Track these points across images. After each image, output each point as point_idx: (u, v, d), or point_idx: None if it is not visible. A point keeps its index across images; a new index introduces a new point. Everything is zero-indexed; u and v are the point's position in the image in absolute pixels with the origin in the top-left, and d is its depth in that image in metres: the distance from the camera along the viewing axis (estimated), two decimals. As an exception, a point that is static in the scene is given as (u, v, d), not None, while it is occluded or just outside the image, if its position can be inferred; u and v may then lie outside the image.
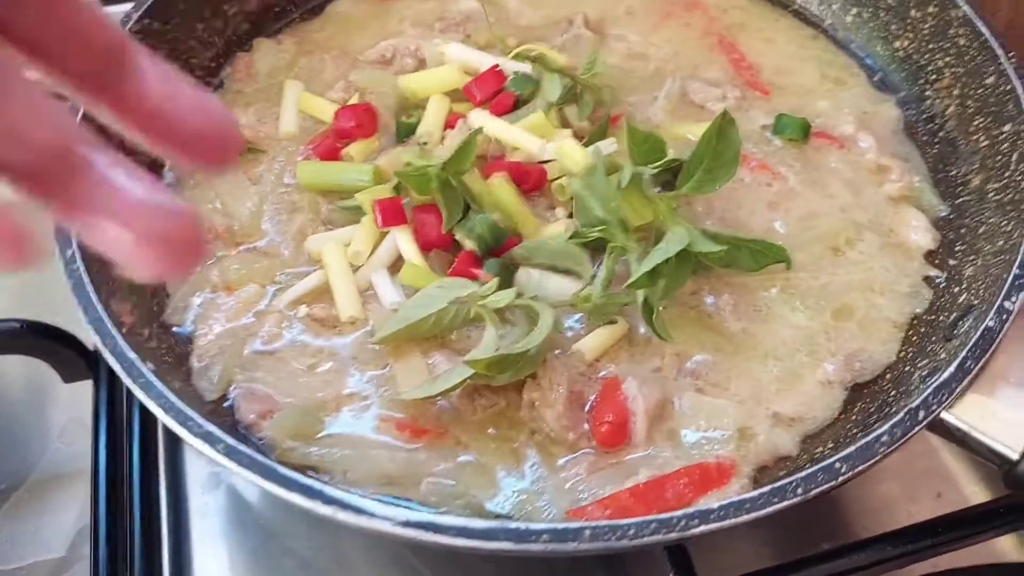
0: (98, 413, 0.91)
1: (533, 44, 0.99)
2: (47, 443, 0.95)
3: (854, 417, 0.73)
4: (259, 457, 0.60)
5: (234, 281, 0.82)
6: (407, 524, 0.57)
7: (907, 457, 0.83)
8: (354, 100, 0.95)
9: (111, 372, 0.93)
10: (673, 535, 0.56)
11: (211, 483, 0.89)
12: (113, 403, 0.92)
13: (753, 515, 0.57)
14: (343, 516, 0.58)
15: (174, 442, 0.91)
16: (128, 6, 0.92)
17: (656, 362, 0.76)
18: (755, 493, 0.57)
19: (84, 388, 0.93)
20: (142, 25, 0.91)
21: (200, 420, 0.63)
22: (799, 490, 0.58)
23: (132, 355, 0.67)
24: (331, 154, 0.90)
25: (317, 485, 0.59)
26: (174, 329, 0.80)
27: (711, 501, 0.66)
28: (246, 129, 0.94)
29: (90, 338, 0.93)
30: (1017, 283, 0.70)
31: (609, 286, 0.74)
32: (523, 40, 1.01)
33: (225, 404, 0.76)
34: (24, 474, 0.92)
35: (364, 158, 0.90)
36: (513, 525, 0.56)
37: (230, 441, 0.62)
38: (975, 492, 0.88)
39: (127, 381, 0.66)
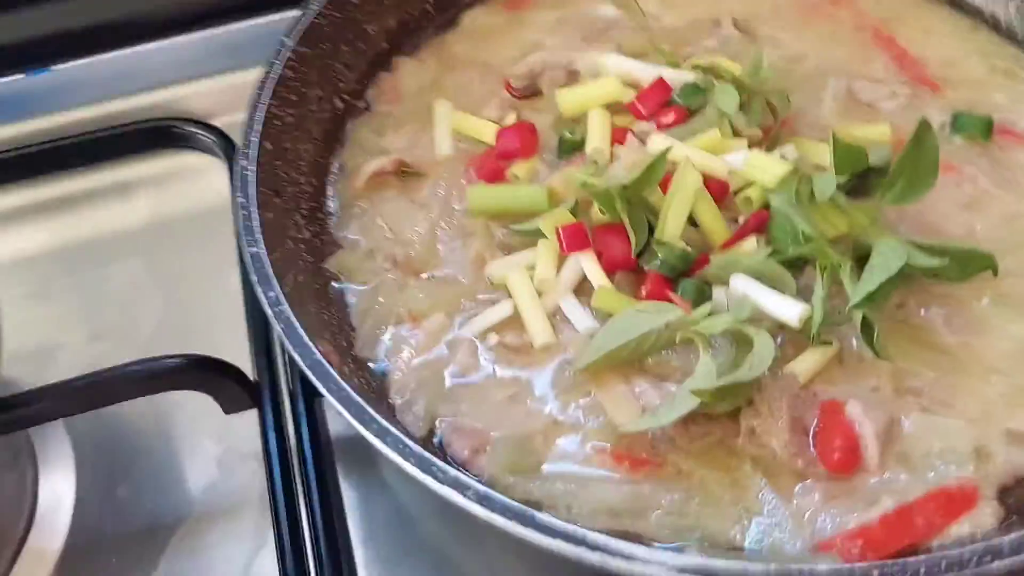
0: (267, 444, 0.90)
1: (687, 49, 0.97)
2: (206, 476, 0.93)
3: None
4: (514, 504, 0.59)
5: (419, 311, 0.81)
6: (684, 570, 0.55)
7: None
8: (510, 118, 0.94)
9: (275, 402, 0.93)
10: (968, 572, 0.54)
11: (370, 510, 0.88)
12: (281, 433, 0.91)
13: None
14: (614, 563, 0.56)
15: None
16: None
17: (872, 381, 0.73)
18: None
19: (237, 419, 0.92)
20: (295, 52, 0.91)
21: (443, 466, 0.62)
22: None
23: (358, 398, 0.66)
24: (496, 176, 0.89)
25: (579, 532, 0.58)
26: (368, 364, 0.79)
27: (964, 528, 0.64)
28: (402, 152, 0.93)
29: (253, 370, 0.94)
30: None
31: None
32: (673, 45, 0.98)
33: (434, 439, 0.75)
34: (188, 507, 0.91)
35: (530, 178, 0.88)
36: (796, 567, 0.55)
37: (480, 488, 0.60)
38: None
39: (359, 427, 0.64)
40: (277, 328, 0.70)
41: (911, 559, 0.54)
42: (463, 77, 1.00)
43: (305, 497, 0.86)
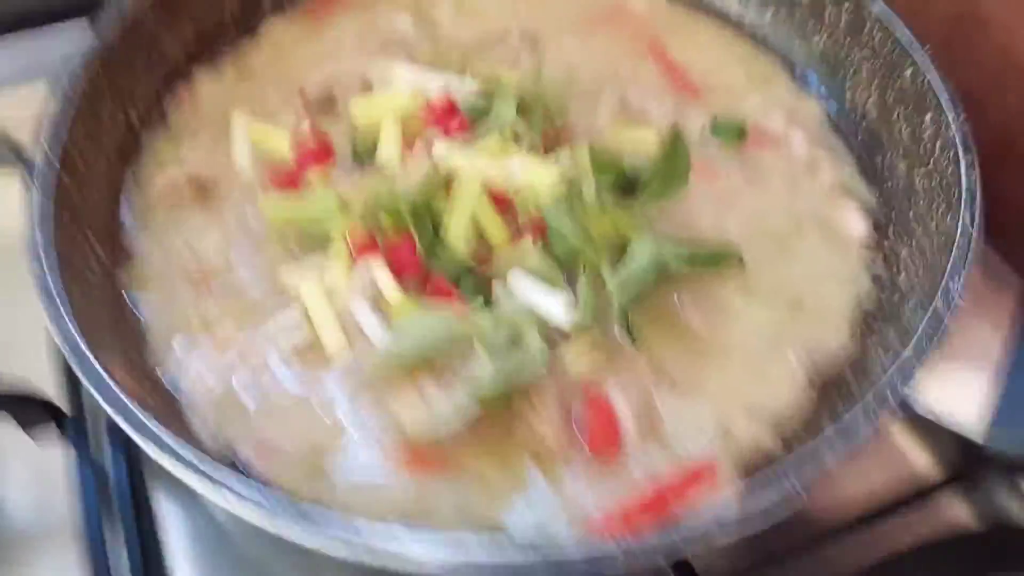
0: (79, 474, 0.88)
1: (475, 59, 1.02)
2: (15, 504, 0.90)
3: (825, 409, 0.78)
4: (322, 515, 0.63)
5: (212, 321, 0.83)
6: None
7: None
8: (305, 128, 0.96)
9: (78, 424, 0.92)
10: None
11: (188, 528, 0.87)
12: (90, 454, 0.90)
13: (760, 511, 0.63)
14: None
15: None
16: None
17: (633, 367, 0.80)
18: (759, 498, 0.64)
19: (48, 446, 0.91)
20: (88, 68, 0.90)
21: (219, 471, 0.65)
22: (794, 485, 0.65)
23: (130, 404, 0.67)
24: (292, 185, 0.91)
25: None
26: (157, 373, 0.81)
27: (708, 502, 0.71)
28: (199, 164, 0.94)
29: (61, 395, 0.92)
30: (956, 265, 0.76)
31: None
32: (465, 55, 1.03)
33: (224, 449, 0.77)
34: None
35: (324, 187, 0.91)
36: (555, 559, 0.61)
37: (258, 490, 0.64)
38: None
39: (154, 453, 0.66)
40: (56, 339, 0.71)
41: (652, 533, 0.61)
42: (260, 88, 1.01)
43: (119, 526, 0.86)
